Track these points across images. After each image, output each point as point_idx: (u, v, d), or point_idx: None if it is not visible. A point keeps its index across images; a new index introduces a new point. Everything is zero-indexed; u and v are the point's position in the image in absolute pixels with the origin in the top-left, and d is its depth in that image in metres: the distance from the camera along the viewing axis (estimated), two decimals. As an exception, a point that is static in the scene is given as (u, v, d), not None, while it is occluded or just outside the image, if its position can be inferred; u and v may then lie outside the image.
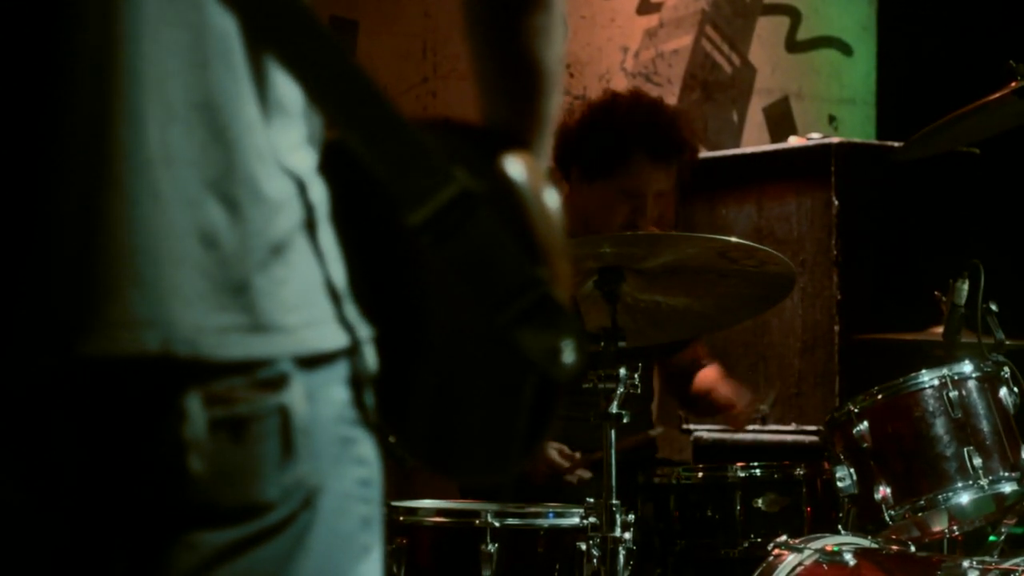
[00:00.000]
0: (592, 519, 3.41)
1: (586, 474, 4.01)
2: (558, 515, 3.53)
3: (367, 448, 1.49)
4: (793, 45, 5.69)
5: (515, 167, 1.49)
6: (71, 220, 1.36)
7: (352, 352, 1.47)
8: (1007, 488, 3.37)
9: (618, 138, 4.11)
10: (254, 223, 1.40)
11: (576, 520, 3.48)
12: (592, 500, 3.42)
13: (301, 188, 1.45)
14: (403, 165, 1.41)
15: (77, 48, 1.37)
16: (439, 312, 1.52)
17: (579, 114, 4.23)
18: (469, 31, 1.54)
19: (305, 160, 1.47)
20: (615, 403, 3.38)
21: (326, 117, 1.45)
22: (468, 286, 1.42)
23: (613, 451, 3.38)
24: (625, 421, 3.41)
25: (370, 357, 1.50)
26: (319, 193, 1.47)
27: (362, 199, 1.51)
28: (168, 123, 1.38)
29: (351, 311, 1.48)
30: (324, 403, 1.45)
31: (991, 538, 3.44)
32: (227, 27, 1.41)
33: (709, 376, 4.39)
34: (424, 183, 1.40)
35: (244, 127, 1.40)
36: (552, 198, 1.50)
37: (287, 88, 1.44)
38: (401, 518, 3.53)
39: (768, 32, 5.70)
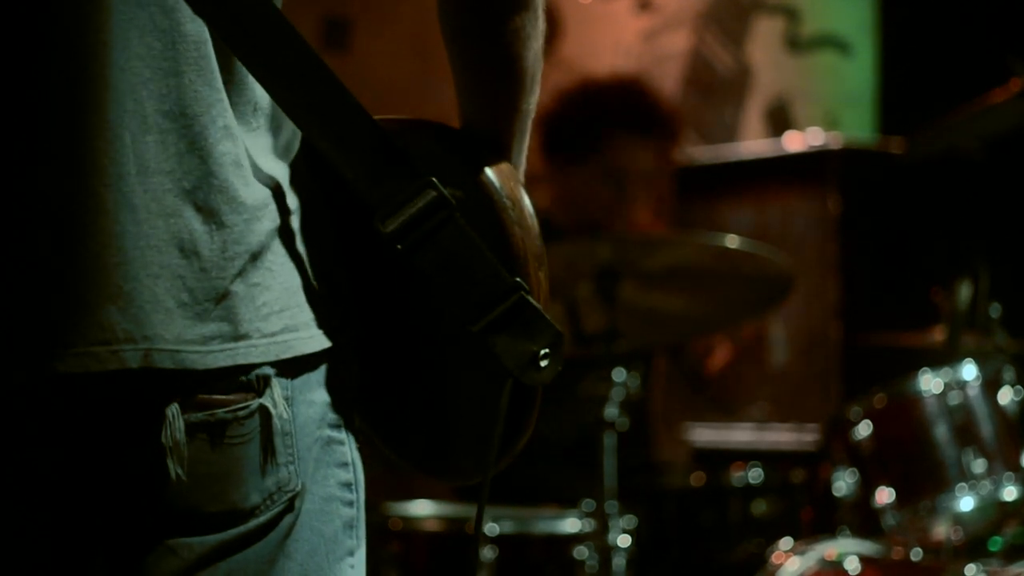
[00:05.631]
0: (589, 521, 3.39)
1: None
2: (554, 521, 3.51)
3: (350, 451, 1.48)
4: (792, 45, 5.66)
5: (492, 173, 1.49)
6: (46, 236, 1.34)
7: (334, 354, 1.46)
8: (1009, 492, 3.34)
9: (595, 116, 4.12)
10: (233, 231, 1.38)
11: (573, 526, 3.46)
12: (590, 503, 3.40)
13: (278, 192, 1.43)
14: (375, 173, 1.40)
15: (48, 60, 1.34)
16: (421, 316, 1.51)
17: (559, 101, 4.24)
18: (449, 34, 1.51)
19: (282, 163, 1.45)
20: (612, 406, 3.36)
21: (296, 123, 1.43)
22: (443, 293, 1.42)
23: (614, 457, 3.35)
24: (618, 424, 3.38)
25: (353, 359, 1.48)
26: (297, 196, 1.45)
27: (344, 198, 1.48)
28: (142, 133, 1.35)
29: (333, 313, 1.46)
30: (305, 405, 1.43)
31: (993, 542, 3.41)
32: (200, 32, 1.38)
33: (717, 359, 4.42)
34: (397, 191, 1.40)
35: (219, 134, 1.38)
36: (528, 204, 1.50)
37: (263, 91, 1.42)
38: (396, 524, 3.51)
39: (767, 32, 5.67)
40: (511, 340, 1.42)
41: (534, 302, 1.43)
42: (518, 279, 1.43)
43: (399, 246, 1.40)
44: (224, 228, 1.38)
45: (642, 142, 4.15)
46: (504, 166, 1.51)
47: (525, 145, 1.57)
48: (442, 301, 1.43)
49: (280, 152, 1.46)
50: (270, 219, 1.41)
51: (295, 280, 1.43)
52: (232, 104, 1.40)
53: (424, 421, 1.54)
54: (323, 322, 1.44)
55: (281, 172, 1.45)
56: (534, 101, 1.55)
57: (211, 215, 1.37)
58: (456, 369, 1.51)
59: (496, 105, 1.53)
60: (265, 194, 1.41)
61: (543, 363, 1.43)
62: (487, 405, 1.46)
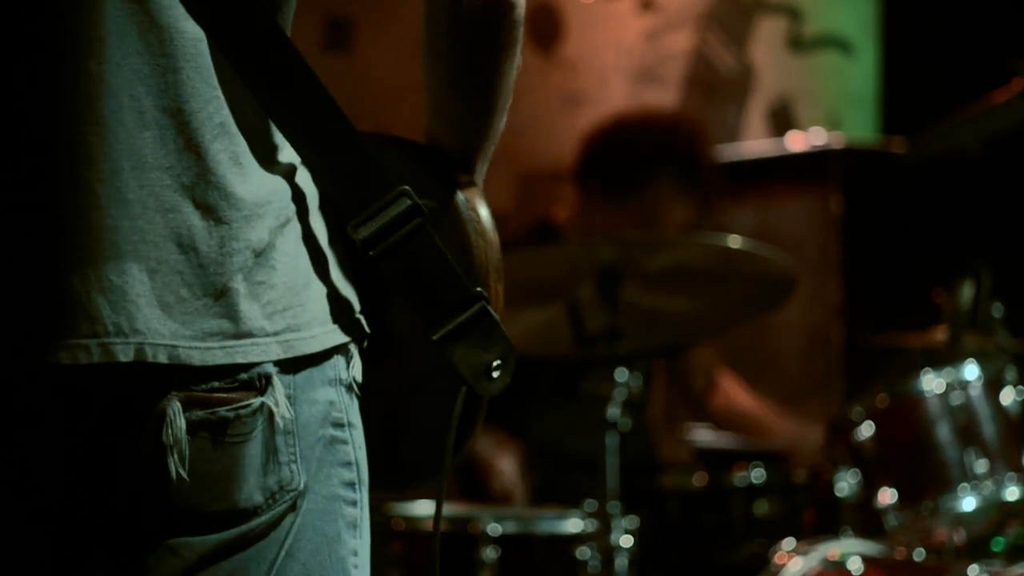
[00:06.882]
0: (591, 521, 3.38)
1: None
2: (557, 521, 3.50)
3: (353, 450, 1.48)
4: (794, 45, 5.66)
5: (456, 186, 1.53)
6: (38, 229, 1.34)
7: (338, 353, 1.46)
8: (1011, 492, 3.33)
9: (647, 159, 4.01)
10: (231, 227, 1.39)
11: (575, 526, 3.46)
12: (592, 504, 3.39)
13: (282, 190, 1.44)
14: (352, 180, 1.43)
15: (42, 56, 1.35)
16: (383, 322, 1.53)
17: (610, 127, 4.11)
18: (432, 60, 1.54)
19: (287, 162, 1.46)
20: (614, 407, 3.36)
21: (279, 127, 1.44)
22: (408, 300, 1.45)
23: (617, 457, 3.34)
24: (620, 424, 3.37)
25: (356, 358, 1.49)
26: (302, 194, 1.46)
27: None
28: (139, 129, 1.36)
29: (338, 312, 1.46)
30: (308, 404, 1.43)
31: (995, 542, 3.40)
32: (197, 30, 1.39)
33: (731, 393, 4.34)
34: (371, 198, 1.42)
35: (215, 131, 1.39)
36: (490, 218, 1.54)
37: None
38: (399, 524, 3.50)
39: (769, 32, 5.67)
40: (468, 350, 1.46)
41: (493, 313, 1.47)
42: (479, 289, 1.46)
43: (371, 252, 1.43)
44: (222, 224, 1.38)
45: (685, 196, 4.02)
46: (469, 181, 1.56)
47: (486, 166, 1.61)
48: (405, 308, 1.46)
49: (285, 151, 1.46)
50: (273, 217, 1.42)
51: (299, 278, 1.43)
52: (233, 101, 1.41)
53: (372, 429, 1.55)
54: (327, 321, 1.45)
55: (287, 171, 1.45)
56: (500, 128, 1.59)
57: (209, 211, 1.38)
58: (406, 377, 1.55)
59: (469, 129, 1.57)
60: (267, 191, 1.42)
61: (495, 374, 1.47)
62: (436, 413, 1.49)
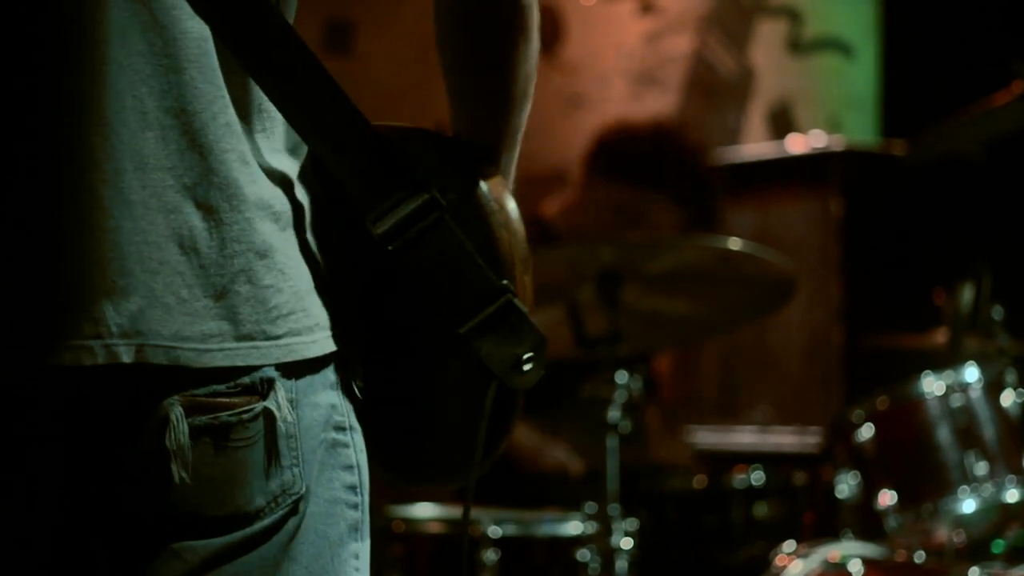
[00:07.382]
0: (591, 524, 3.38)
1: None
2: (557, 523, 3.50)
3: (355, 453, 1.48)
4: (794, 47, 5.66)
5: (480, 177, 1.51)
6: (41, 230, 1.34)
7: (340, 357, 1.46)
8: (1011, 495, 3.33)
9: (644, 172, 4.08)
10: (233, 228, 1.38)
11: (575, 528, 3.46)
12: (592, 506, 3.39)
13: (287, 192, 1.43)
14: (369, 174, 1.42)
15: (45, 57, 1.34)
16: (402, 321, 1.52)
17: (642, 129, 4.20)
18: (446, 54, 1.54)
19: (291, 164, 1.46)
20: (615, 409, 3.36)
21: (291, 124, 1.43)
22: (432, 295, 1.43)
23: (616, 459, 3.34)
24: (621, 427, 3.37)
25: (358, 362, 1.49)
26: (307, 197, 1.46)
27: (341, 204, 1.49)
28: (141, 129, 1.35)
29: (340, 316, 1.46)
30: (310, 408, 1.43)
31: (995, 544, 3.40)
32: (201, 30, 1.38)
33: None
34: (390, 192, 1.41)
35: (221, 131, 1.38)
36: (515, 209, 1.52)
37: None
38: (399, 527, 3.50)
39: (769, 34, 5.67)
40: (496, 343, 1.44)
41: (520, 306, 1.45)
42: (505, 282, 1.45)
43: (390, 247, 1.42)
44: (223, 225, 1.38)
45: (677, 209, 4.11)
46: (493, 172, 1.54)
47: (515, 156, 1.59)
48: (430, 304, 1.44)
49: (289, 153, 1.46)
50: (276, 219, 1.41)
51: (302, 283, 1.43)
52: (236, 102, 1.40)
53: (402, 427, 1.55)
54: (329, 325, 1.44)
55: (290, 173, 1.45)
56: (525, 116, 1.58)
57: (210, 212, 1.37)
58: (436, 374, 1.52)
59: (489, 122, 1.56)
60: (272, 194, 1.42)
61: (526, 367, 1.45)
62: (468, 409, 1.47)
